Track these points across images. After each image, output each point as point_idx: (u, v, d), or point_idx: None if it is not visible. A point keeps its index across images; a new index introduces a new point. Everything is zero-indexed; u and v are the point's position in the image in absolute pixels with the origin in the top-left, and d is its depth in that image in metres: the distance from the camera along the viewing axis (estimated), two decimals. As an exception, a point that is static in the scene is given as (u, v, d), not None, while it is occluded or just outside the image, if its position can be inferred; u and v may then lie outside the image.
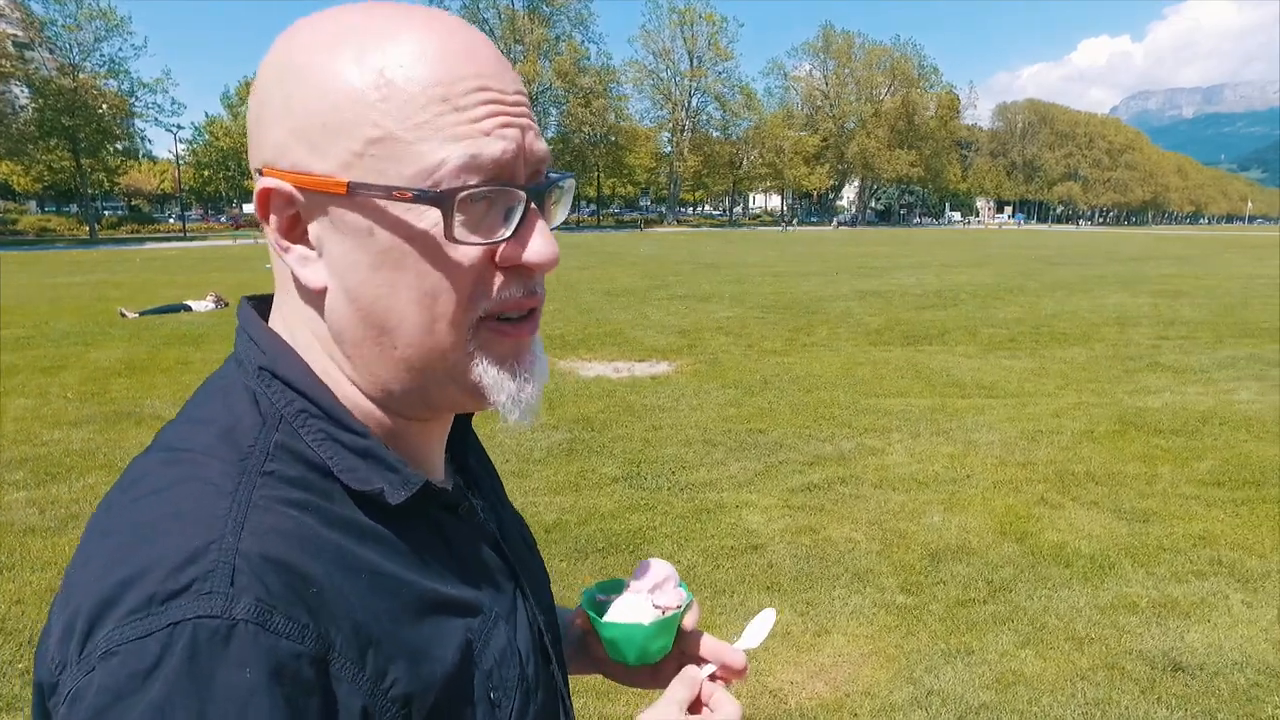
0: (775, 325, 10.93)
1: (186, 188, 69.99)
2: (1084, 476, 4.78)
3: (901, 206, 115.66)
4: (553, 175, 0.52)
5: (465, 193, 0.46)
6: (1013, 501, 4.36)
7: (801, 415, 6.17)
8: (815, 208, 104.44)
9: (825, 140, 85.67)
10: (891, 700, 2.55)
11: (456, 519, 0.57)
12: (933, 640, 2.93)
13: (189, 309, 13.07)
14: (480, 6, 64.85)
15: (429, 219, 0.47)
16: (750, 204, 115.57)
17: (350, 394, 0.52)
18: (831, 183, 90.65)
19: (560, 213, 0.57)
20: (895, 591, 3.32)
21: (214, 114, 62.53)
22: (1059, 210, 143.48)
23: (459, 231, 0.47)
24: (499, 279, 0.50)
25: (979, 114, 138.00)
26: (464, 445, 0.65)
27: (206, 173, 64.80)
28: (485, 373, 0.51)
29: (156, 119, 51.62)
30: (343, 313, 0.50)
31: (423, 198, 0.46)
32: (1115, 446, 5.40)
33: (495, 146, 0.46)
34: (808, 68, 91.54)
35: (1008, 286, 16.87)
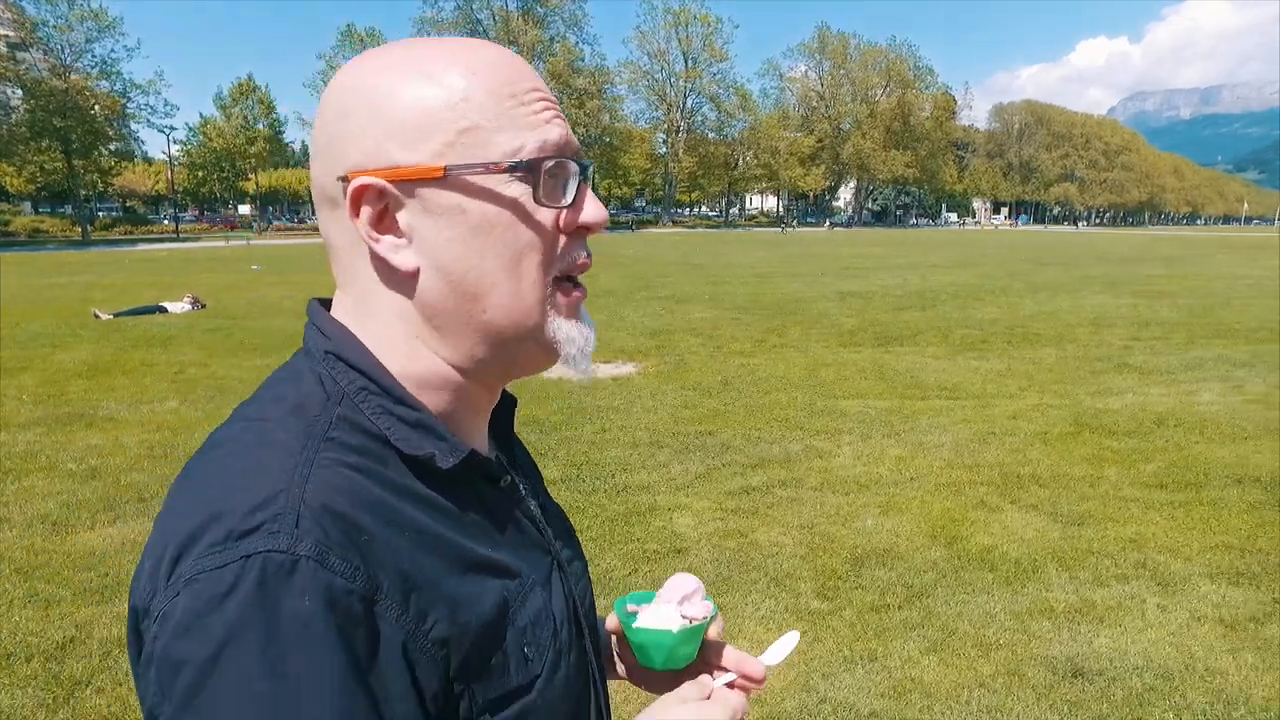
0: (748, 326, 10.89)
1: (181, 189, 69.93)
2: (1029, 479, 4.74)
3: (898, 207, 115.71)
4: (586, 160, 0.61)
5: (549, 162, 0.56)
6: (950, 505, 4.32)
7: (755, 417, 6.13)
8: (811, 209, 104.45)
9: (821, 141, 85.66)
10: (780, 709, 2.51)
11: (499, 492, 0.63)
12: (838, 647, 2.88)
13: (165, 310, 13.00)
14: (474, 8, 64.92)
15: (514, 189, 0.55)
16: (747, 205, 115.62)
17: (419, 370, 0.59)
18: (827, 184, 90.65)
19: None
20: (810, 596, 3.27)
21: (208, 115, 62.24)
22: (1056, 211, 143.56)
23: (543, 196, 0.56)
24: (564, 242, 0.58)
25: (977, 115, 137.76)
26: (509, 437, 0.73)
27: (201, 174, 64.67)
28: (560, 328, 0.59)
29: (149, 120, 51.58)
30: (435, 289, 0.57)
31: (517, 168, 0.55)
32: (1066, 448, 5.36)
33: (555, 132, 0.57)
34: (803, 69, 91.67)
35: (991, 287, 16.85)
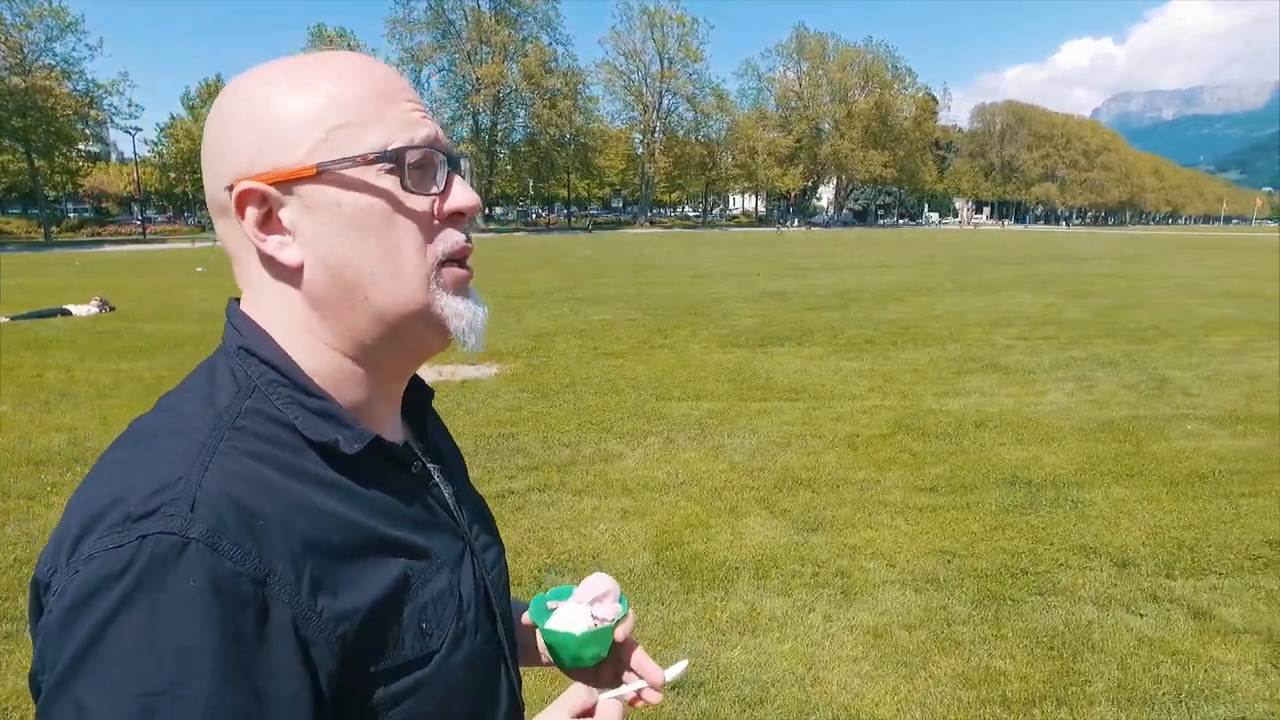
0: (641, 327, 10.78)
1: (152, 190, 69.10)
2: (802, 483, 4.65)
3: (879, 208, 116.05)
4: (457, 154, 0.64)
5: (411, 150, 0.59)
6: (699, 510, 4.22)
7: (571, 420, 6.02)
8: (792, 209, 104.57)
9: (799, 141, 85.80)
10: None
11: (410, 477, 0.66)
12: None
13: (68, 313, 12.77)
14: (446, 8, 64.55)
15: (385, 181, 0.58)
16: (730, 205, 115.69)
17: (319, 364, 0.62)
18: (805, 184, 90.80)
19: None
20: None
21: (178, 115, 61.49)
22: (1039, 210, 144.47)
23: (410, 185, 0.59)
24: (441, 229, 0.62)
25: (959, 115, 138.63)
26: (424, 421, 0.75)
27: (173, 175, 63.92)
28: (446, 304, 0.62)
29: (113, 120, 50.92)
30: (319, 280, 0.59)
31: (383, 157, 0.58)
32: (866, 452, 5.28)
33: (424, 130, 0.60)
34: (782, 69, 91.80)
35: (919, 287, 16.83)
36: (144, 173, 66.21)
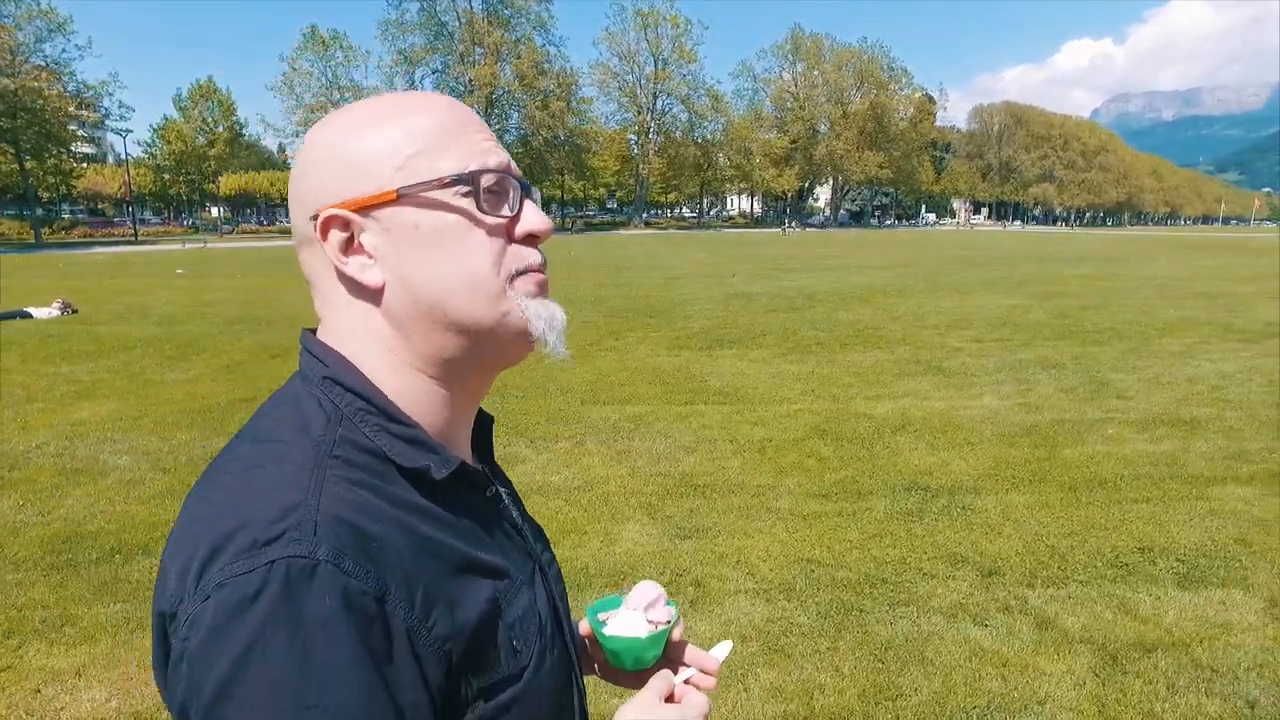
0: (596, 329, 10.74)
1: (147, 192, 69.07)
2: (697, 489, 4.60)
3: (875, 208, 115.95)
4: (526, 181, 0.66)
5: (486, 174, 0.62)
6: (580, 515, 4.17)
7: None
8: (789, 210, 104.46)
9: (794, 142, 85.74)
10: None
11: (486, 501, 0.69)
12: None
13: (29, 316, 12.73)
14: (438, 10, 64.55)
15: (461, 202, 0.61)
16: (727, 206, 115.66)
17: (400, 385, 0.64)
18: (800, 185, 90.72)
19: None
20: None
21: (172, 117, 61.38)
22: (1037, 211, 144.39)
23: (485, 207, 0.62)
24: (517, 248, 0.64)
25: (959, 116, 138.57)
26: (489, 452, 0.78)
27: (167, 176, 63.88)
28: (526, 306, 0.63)
29: (104, 122, 50.89)
30: (400, 299, 0.62)
31: (459, 180, 0.61)
32: (773, 457, 5.23)
33: (495, 158, 0.63)
34: (778, 70, 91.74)
35: (894, 288, 16.77)
36: (139, 174, 66.21)
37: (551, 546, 0.82)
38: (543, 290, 0.66)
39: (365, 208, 0.62)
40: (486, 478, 0.70)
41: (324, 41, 61.93)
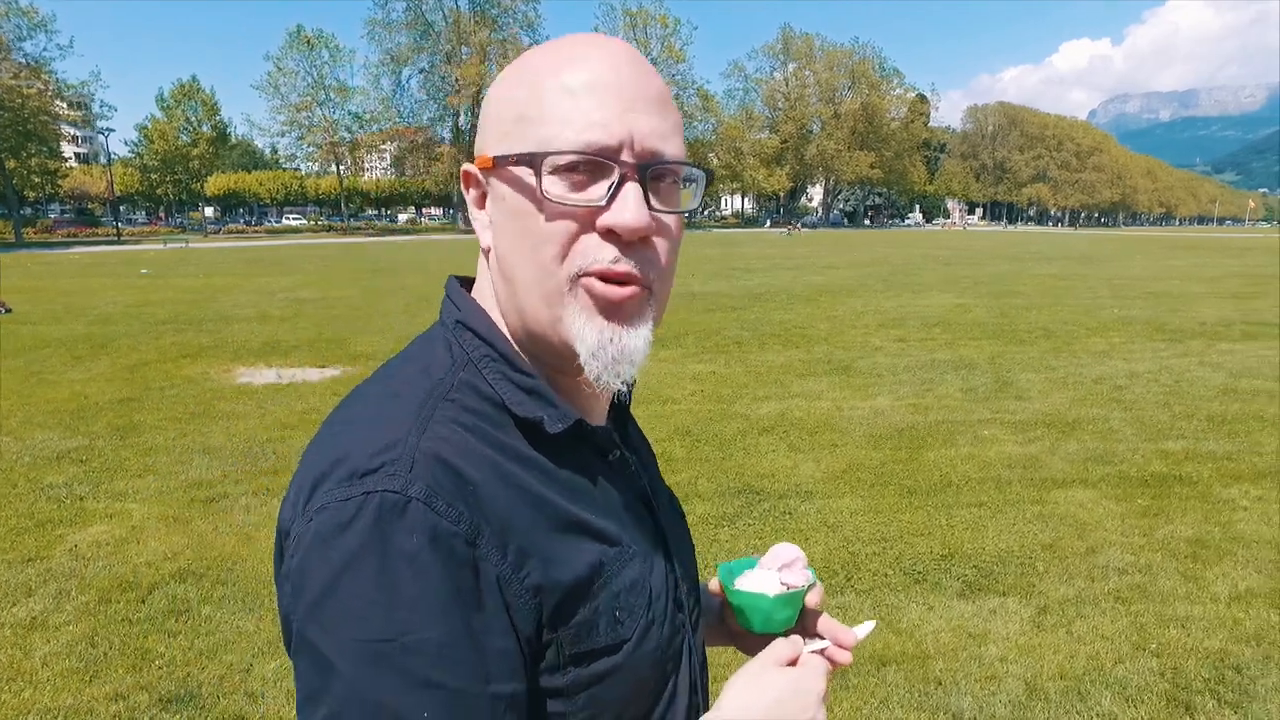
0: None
1: (134, 191, 68.79)
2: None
3: (869, 208, 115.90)
4: (667, 162, 0.58)
5: (551, 156, 0.56)
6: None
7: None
8: (781, 210, 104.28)
9: (785, 142, 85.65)
10: None
11: (607, 464, 0.65)
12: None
13: (-42, 314, 12.60)
14: (425, 9, 64.38)
15: (532, 182, 0.56)
16: (721, 206, 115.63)
17: (521, 341, 0.62)
18: (792, 185, 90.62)
19: (689, 200, 0.64)
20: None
21: (157, 117, 61.08)
22: (1031, 212, 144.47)
23: (550, 191, 0.56)
24: (593, 241, 0.57)
25: (952, 116, 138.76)
26: (624, 418, 0.76)
27: (155, 177, 63.58)
28: (574, 322, 0.57)
29: (86, 120, 50.67)
30: (495, 266, 0.62)
31: (521, 160, 0.57)
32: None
33: (596, 131, 0.55)
34: (769, 69, 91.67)
35: (848, 287, 16.65)
36: (126, 174, 65.91)
37: (687, 525, 0.78)
38: (614, 306, 0.57)
39: (483, 169, 0.61)
40: (611, 440, 0.67)
41: (309, 41, 61.73)
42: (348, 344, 9.66)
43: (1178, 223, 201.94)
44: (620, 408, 0.75)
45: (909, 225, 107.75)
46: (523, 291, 0.59)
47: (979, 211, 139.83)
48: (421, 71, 66.37)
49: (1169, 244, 46.38)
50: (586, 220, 0.57)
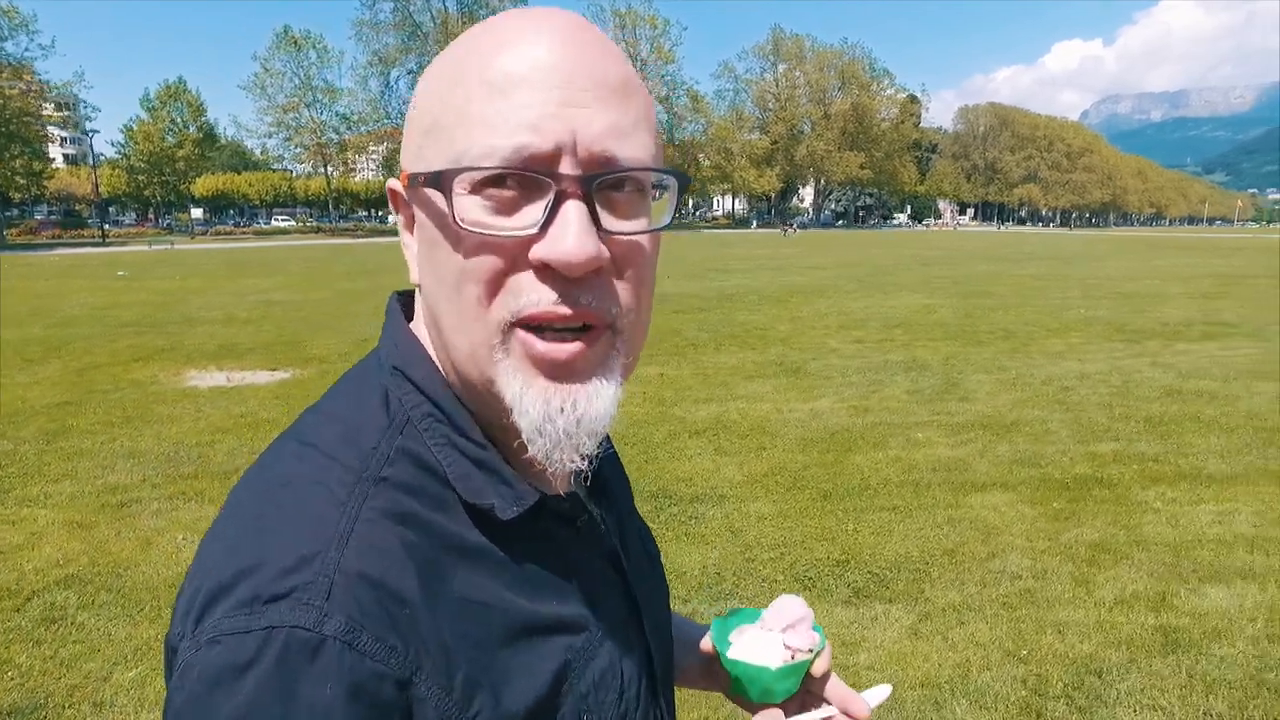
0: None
1: (121, 193, 68.41)
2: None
3: (861, 209, 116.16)
4: (622, 171, 0.46)
5: (462, 174, 0.45)
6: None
7: (260, 430, 5.78)
8: (773, 210, 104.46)
9: (775, 143, 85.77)
10: None
11: (574, 531, 0.56)
12: None
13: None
14: (412, 10, 64.27)
15: (445, 205, 0.46)
16: (714, 207, 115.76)
17: (461, 397, 0.52)
18: (782, 185, 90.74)
19: (663, 211, 0.52)
20: None
21: (144, 118, 60.74)
22: (1023, 212, 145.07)
23: (466, 218, 0.45)
24: (527, 280, 0.46)
25: (944, 116, 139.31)
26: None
27: (142, 178, 63.23)
28: (509, 386, 0.47)
29: (67, 121, 50.37)
30: (424, 306, 0.52)
31: (430, 181, 0.46)
32: (548, 462, 5.06)
33: (524, 134, 0.44)
34: (759, 70, 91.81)
35: (818, 289, 16.64)
36: (113, 175, 65.53)
37: (661, 566, 0.69)
38: (550, 375, 0.46)
39: (406, 188, 0.51)
40: (578, 504, 0.56)
41: (296, 42, 61.55)
42: (304, 346, 9.60)
43: (1168, 223, 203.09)
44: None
45: (897, 225, 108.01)
46: (449, 342, 0.49)
47: (970, 212, 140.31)
48: (410, 73, 66.17)
49: (1154, 244, 46.63)
50: (517, 252, 0.45)
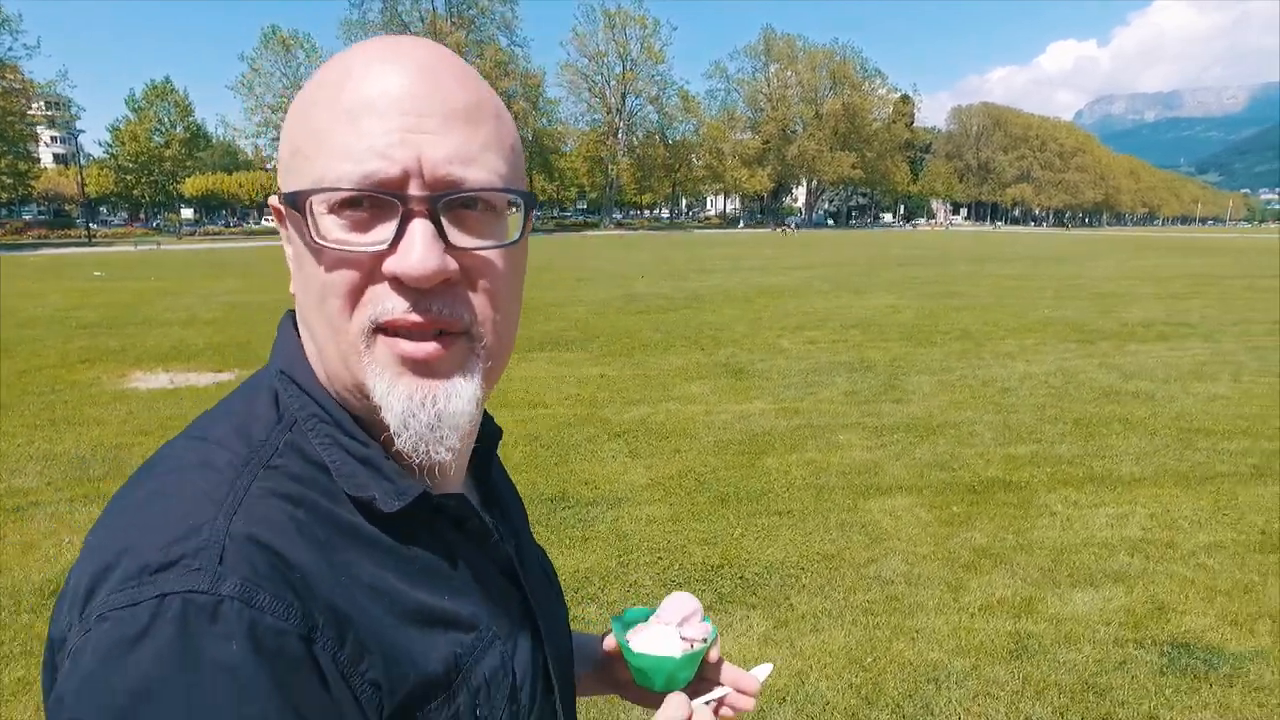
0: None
1: (109, 193, 68.12)
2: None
3: (853, 209, 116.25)
4: (466, 193, 0.50)
5: (319, 195, 0.49)
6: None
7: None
8: (765, 210, 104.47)
9: (766, 143, 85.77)
10: None
11: (464, 535, 0.57)
12: None
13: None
14: (400, 10, 64.13)
15: (306, 224, 0.50)
16: (707, 207, 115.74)
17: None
18: (774, 186, 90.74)
19: (516, 228, 0.55)
20: None
21: (130, 118, 60.48)
22: (1016, 212, 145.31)
23: (325, 236, 0.49)
24: (383, 290, 0.49)
25: (938, 116, 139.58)
26: (488, 466, 0.67)
27: (130, 177, 62.96)
28: (376, 384, 0.50)
29: (52, 121, 50.15)
30: (299, 313, 0.55)
31: (287, 200, 0.50)
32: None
33: (374, 161, 0.48)
34: (750, 70, 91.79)
35: (790, 289, 16.61)
36: (101, 175, 65.26)
37: (558, 581, 0.73)
38: (414, 372, 0.50)
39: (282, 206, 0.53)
40: (466, 507, 0.57)
41: (284, 42, 61.39)
42: (255, 347, 9.53)
43: (1160, 223, 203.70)
44: (483, 452, 0.65)
45: (887, 226, 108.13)
46: (322, 348, 0.52)
47: (963, 212, 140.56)
48: (399, 72, 66.11)
49: (1143, 244, 46.73)
50: (373, 266, 0.49)
